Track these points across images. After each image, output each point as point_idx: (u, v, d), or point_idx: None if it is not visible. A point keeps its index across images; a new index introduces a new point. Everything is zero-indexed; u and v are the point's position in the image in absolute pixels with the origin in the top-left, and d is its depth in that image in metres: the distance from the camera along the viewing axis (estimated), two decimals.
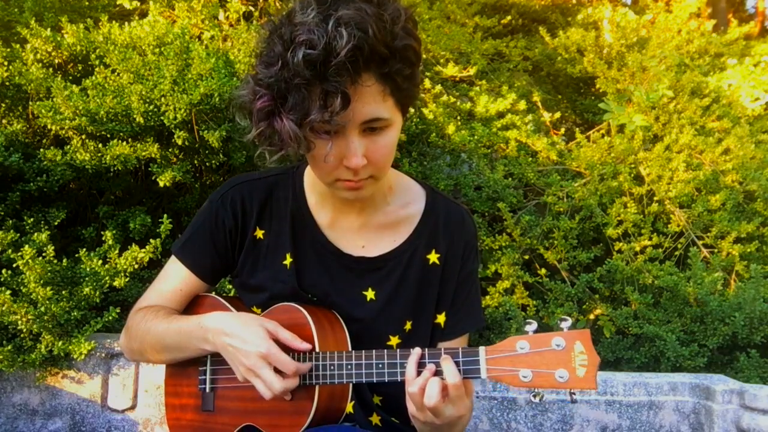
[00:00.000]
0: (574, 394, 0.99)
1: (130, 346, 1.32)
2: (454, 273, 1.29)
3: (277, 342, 1.11)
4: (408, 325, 1.26)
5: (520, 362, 0.99)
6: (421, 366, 1.05)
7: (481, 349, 1.02)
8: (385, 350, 1.10)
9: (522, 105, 3.97)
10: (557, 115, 4.31)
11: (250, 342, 1.09)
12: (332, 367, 1.12)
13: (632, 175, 3.50)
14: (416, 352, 1.06)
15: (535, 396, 0.99)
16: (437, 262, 1.28)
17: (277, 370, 1.10)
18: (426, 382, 1.03)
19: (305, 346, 1.12)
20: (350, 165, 1.04)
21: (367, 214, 1.27)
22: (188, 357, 1.26)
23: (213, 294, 1.34)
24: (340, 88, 0.94)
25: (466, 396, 1.05)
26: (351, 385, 1.18)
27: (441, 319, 1.30)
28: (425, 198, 1.31)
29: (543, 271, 3.17)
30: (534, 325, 1.01)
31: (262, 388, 1.09)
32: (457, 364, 1.03)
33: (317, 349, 1.14)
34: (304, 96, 0.95)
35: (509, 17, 5.53)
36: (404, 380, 1.07)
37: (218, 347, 1.15)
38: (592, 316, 3.10)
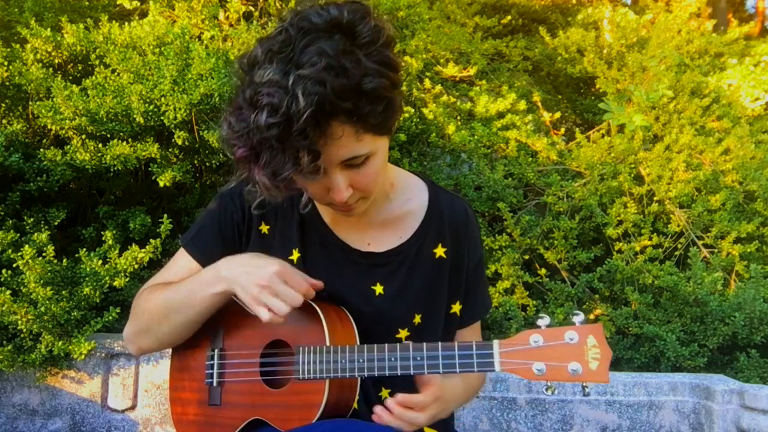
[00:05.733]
0: (587, 386, 1.00)
1: (136, 325, 1.32)
2: (463, 264, 1.31)
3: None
4: (417, 319, 1.28)
5: (533, 355, 1.00)
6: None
7: (495, 343, 1.03)
8: (397, 344, 1.10)
9: (522, 105, 3.96)
10: (557, 115, 4.32)
11: (263, 265, 1.13)
12: (343, 361, 1.12)
13: (632, 175, 3.50)
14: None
15: (547, 389, 1.01)
16: (444, 255, 1.29)
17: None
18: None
19: (318, 283, 1.17)
20: (335, 200, 1.07)
21: (370, 214, 1.27)
22: (197, 315, 1.23)
23: None
24: (307, 146, 0.94)
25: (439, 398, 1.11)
26: (359, 379, 1.19)
27: (457, 308, 1.32)
28: (427, 192, 1.32)
29: (543, 271, 3.17)
30: (546, 320, 1.02)
31: (277, 304, 1.10)
32: (470, 357, 1.04)
33: (327, 343, 1.14)
34: (275, 153, 0.96)
35: (509, 17, 5.54)
36: (416, 376, 1.10)
37: (231, 278, 1.15)
38: (592, 316, 3.10)
